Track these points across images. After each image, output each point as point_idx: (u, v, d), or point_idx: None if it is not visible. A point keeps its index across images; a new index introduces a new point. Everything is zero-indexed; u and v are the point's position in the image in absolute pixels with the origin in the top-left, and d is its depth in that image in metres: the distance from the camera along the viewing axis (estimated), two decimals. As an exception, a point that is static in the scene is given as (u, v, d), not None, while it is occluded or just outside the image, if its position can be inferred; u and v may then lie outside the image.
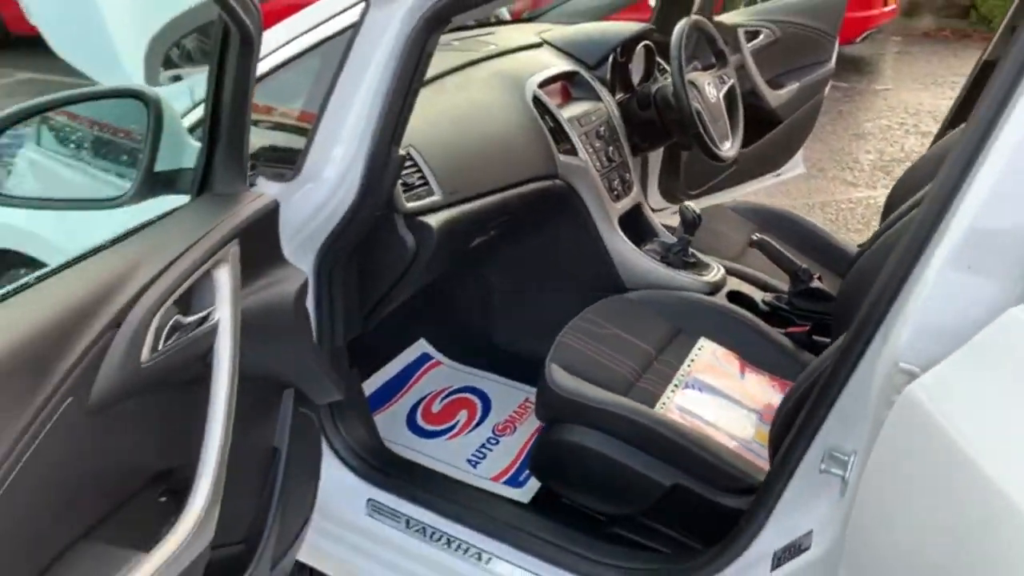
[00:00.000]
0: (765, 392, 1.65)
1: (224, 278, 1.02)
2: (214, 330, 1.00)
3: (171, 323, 0.92)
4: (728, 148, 2.14)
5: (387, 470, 1.58)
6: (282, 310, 1.16)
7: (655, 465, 1.42)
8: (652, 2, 2.68)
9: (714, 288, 1.92)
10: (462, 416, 1.94)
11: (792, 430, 1.14)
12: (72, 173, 1.38)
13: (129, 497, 0.94)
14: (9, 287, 0.80)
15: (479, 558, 1.45)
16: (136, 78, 1.64)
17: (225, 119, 1.07)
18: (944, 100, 5.59)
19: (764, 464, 1.44)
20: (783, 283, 1.99)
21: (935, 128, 4.19)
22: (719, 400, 1.60)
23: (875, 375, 0.98)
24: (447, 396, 2.01)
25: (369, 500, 1.54)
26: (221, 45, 1.03)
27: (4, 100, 5.90)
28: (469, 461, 1.79)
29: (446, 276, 1.92)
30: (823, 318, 1.80)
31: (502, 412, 1.95)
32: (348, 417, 1.58)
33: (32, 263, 1.72)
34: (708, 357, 1.71)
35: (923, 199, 0.96)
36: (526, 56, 2.03)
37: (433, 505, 1.51)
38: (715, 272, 1.95)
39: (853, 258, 1.78)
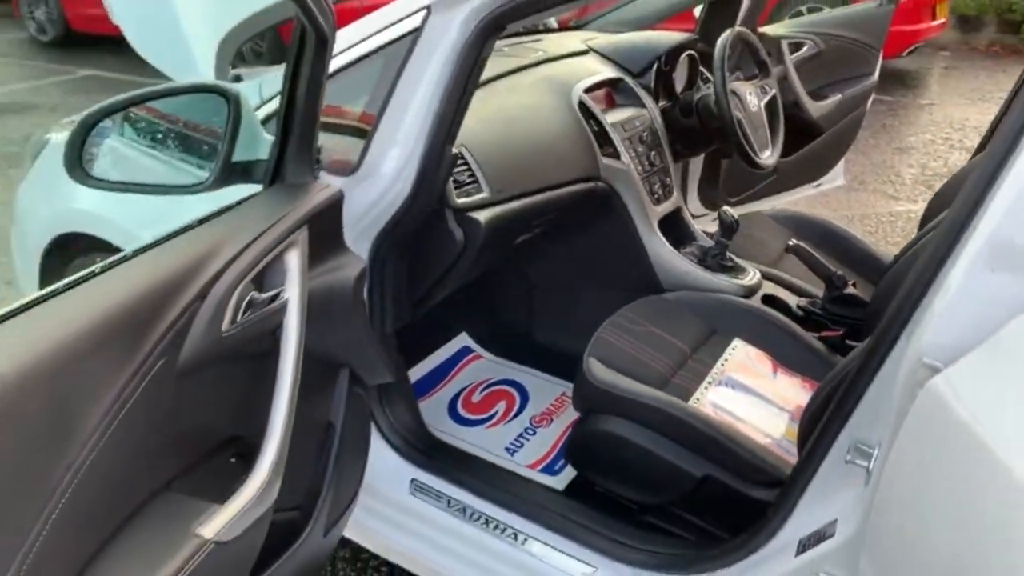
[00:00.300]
0: (797, 393, 1.70)
1: (294, 261, 1.11)
2: (283, 308, 1.09)
3: (248, 299, 1.01)
4: (767, 157, 2.19)
5: (430, 452, 1.66)
6: (342, 294, 1.25)
7: (687, 456, 1.48)
8: (697, 13, 2.74)
9: (749, 291, 1.97)
10: (501, 407, 2.01)
11: (820, 423, 1.19)
12: (151, 162, 1.48)
13: (203, 456, 1.03)
14: (112, 258, 0.89)
15: (515, 538, 1.52)
16: (207, 76, 1.75)
17: (298, 114, 1.16)
18: (991, 117, 5.54)
19: (793, 459, 1.49)
20: (818, 289, 2.03)
21: (979, 143, 4.17)
22: (751, 398, 1.65)
23: (900, 371, 1.03)
24: (487, 387, 2.09)
25: (412, 480, 1.63)
26: (298, 45, 1.12)
27: (68, 96, 6.13)
28: (507, 449, 1.86)
29: (488, 272, 2.00)
30: (856, 323, 1.84)
31: (539, 404, 2.02)
32: (394, 401, 1.66)
33: (103, 245, 1.84)
34: (741, 357, 1.76)
35: (948, 212, 1.01)
36: (573, 63, 2.10)
37: (473, 487, 1.58)
38: (751, 276, 2.00)
39: (889, 265, 1.83)
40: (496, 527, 1.54)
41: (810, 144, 2.86)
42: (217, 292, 0.95)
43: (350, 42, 1.51)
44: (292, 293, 1.10)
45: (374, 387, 1.56)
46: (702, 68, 2.42)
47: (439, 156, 1.44)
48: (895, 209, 4.17)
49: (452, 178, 1.56)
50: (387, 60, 1.44)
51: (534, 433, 1.92)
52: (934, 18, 6.37)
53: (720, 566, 1.31)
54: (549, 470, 1.80)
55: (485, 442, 1.88)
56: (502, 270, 2.13)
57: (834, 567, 1.15)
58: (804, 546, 1.20)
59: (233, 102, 1.17)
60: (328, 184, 1.24)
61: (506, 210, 1.64)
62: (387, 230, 1.48)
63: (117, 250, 1.79)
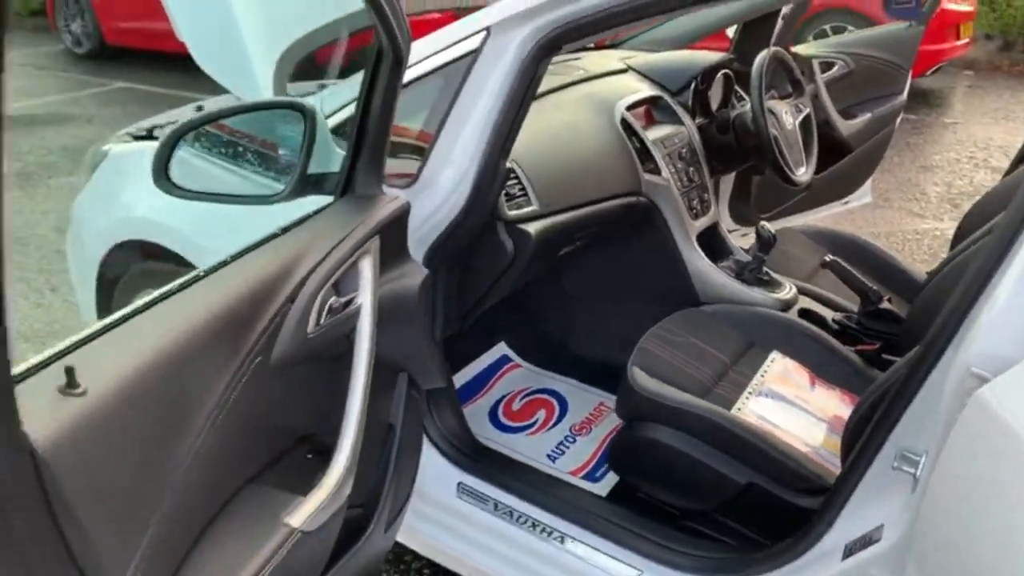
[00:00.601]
0: (834, 404, 1.75)
1: (367, 268, 1.17)
2: (357, 312, 1.15)
3: (329, 303, 1.07)
4: (802, 174, 2.24)
5: (476, 457, 1.71)
6: (406, 301, 1.31)
7: (732, 464, 1.52)
8: (730, 33, 2.80)
9: (786, 305, 2.02)
10: (540, 415, 2.06)
11: (866, 431, 1.24)
12: (220, 172, 1.55)
13: (284, 451, 1.09)
14: (213, 263, 0.95)
15: (562, 541, 1.57)
16: (267, 92, 1.82)
17: (371, 129, 1.23)
18: (1015, 136, 5.56)
19: (833, 468, 1.54)
20: (852, 304, 2.07)
21: (1005, 163, 4.20)
22: (790, 409, 1.70)
23: (948, 380, 1.07)
24: (526, 396, 2.14)
25: (459, 483, 1.68)
26: (375, 62, 1.18)
27: (103, 108, 6.27)
28: (549, 456, 1.91)
29: (527, 284, 2.05)
30: (892, 338, 1.88)
31: (578, 413, 2.07)
32: (441, 406, 1.72)
33: (161, 252, 1.91)
34: (780, 369, 1.80)
35: (995, 226, 1.06)
36: (613, 80, 2.16)
37: (519, 491, 1.63)
38: (787, 290, 2.05)
39: (924, 282, 1.87)
40: (543, 530, 1.59)
41: (840, 162, 2.91)
42: (304, 296, 1.01)
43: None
44: (365, 299, 1.16)
45: (423, 392, 1.62)
46: (736, 87, 2.48)
47: (494, 170, 1.50)
48: (921, 227, 4.19)
49: (504, 191, 1.62)
50: (446, 79, 1.51)
51: (574, 441, 1.97)
52: (958, 38, 6.41)
53: (767, 569, 1.35)
54: (591, 477, 1.85)
55: (527, 449, 1.93)
56: (541, 281, 2.19)
57: (881, 571, 1.18)
58: (850, 550, 1.24)
59: (309, 118, 1.23)
60: (397, 196, 1.31)
61: (555, 222, 1.70)
62: (440, 241, 1.54)
63: (176, 256, 1.87)
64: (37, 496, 0.60)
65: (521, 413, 2.07)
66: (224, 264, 0.95)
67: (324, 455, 1.12)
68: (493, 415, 2.06)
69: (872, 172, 3.23)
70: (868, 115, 2.98)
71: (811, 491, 1.48)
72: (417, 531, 1.71)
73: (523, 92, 1.47)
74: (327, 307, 1.06)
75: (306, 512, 0.98)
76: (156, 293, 0.86)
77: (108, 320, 0.78)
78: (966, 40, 6.61)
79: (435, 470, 1.68)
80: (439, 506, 1.68)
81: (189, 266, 1.86)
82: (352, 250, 1.14)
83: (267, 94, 1.81)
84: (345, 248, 1.12)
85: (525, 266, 1.66)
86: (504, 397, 2.13)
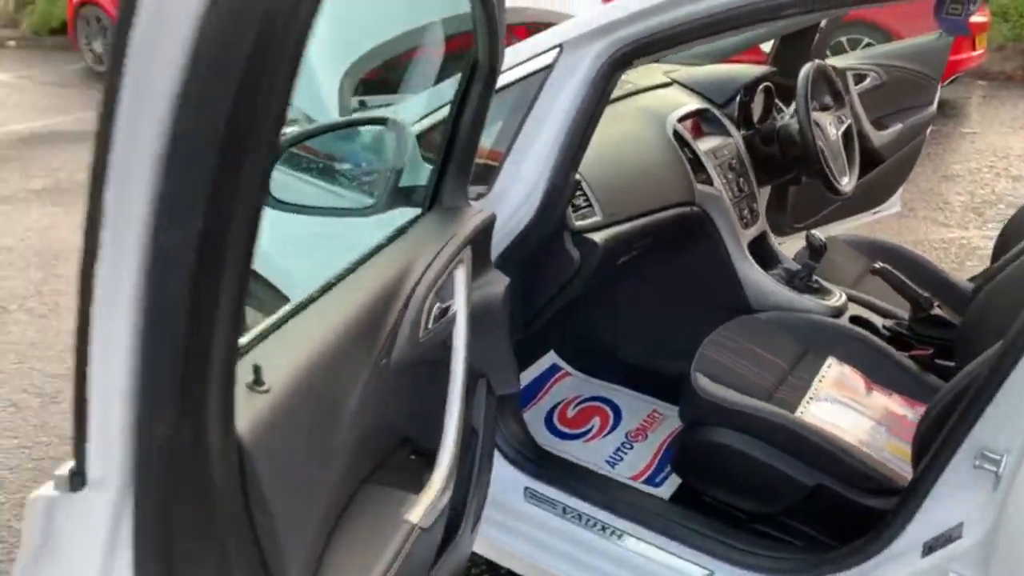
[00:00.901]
0: (891, 408, 1.78)
1: (461, 277, 1.21)
2: (453, 320, 1.19)
3: (435, 310, 1.11)
4: (846, 183, 2.29)
5: (540, 463, 1.74)
6: (491, 308, 1.35)
7: (799, 467, 1.56)
8: (765, 48, 2.86)
9: (837, 312, 2.05)
10: (595, 422, 2.10)
11: (943, 431, 1.27)
12: (304, 186, 1.60)
13: (391, 451, 1.13)
14: (339, 271, 1.00)
15: (633, 543, 1.60)
16: (332, 107, 1.87)
17: (460, 142, 1.27)
18: (1034, 144, 5.60)
19: (898, 470, 1.57)
20: (900, 310, 2.11)
21: (1025, 172, 4.23)
22: (850, 413, 1.73)
23: None
24: (579, 403, 2.18)
25: (526, 488, 1.71)
26: (468, 75, 1.22)
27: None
28: (608, 462, 1.95)
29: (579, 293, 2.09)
30: (945, 343, 1.91)
31: (633, 420, 2.10)
32: (504, 413, 1.75)
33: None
34: (836, 374, 1.84)
35: None
36: (661, 94, 2.21)
37: (586, 495, 1.67)
38: (837, 297, 2.08)
39: (975, 288, 1.90)
40: (612, 533, 1.62)
41: (872, 171, 2.95)
42: (415, 302, 1.06)
43: None
44: (460, 306, 1.20)
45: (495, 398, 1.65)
46: (776, 99, 2.52)
47: (564, 182, 1.55)
48: (947, 236, 4.23)
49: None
50: (518, 95, 1.55)
51: (631, 447, 2.00)
52: (974, 48, 6.45)
53: (843, 568, 1.38)
54: (651, 482, 1.88)
55: (585, 455, 1.96)
56: (591, 290, 2.23)
57: (963, 567, 1.21)
58: (930, 548, 1.27)
59: (399, 133, 1.28)
60: (482, 208, 1.35)
61: (617, 232, 1.74)
62: (509, 250, 1.58)
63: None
64: (239, 488, 0.64)
65: (576, 420, 2.11)
66: (351, 271, 1.00)
67: (425, 457, 1.16)
68: (548, 422, 2.10)
69: (903, 182, 3.28)
70: (899, 125, 3.03)
71: (880, 492, 1.52)
72: (484, 534, 1.74)
73: (594, 106, 1.51)
74: (433, 313, 1.11)
75: (422, 509, 1.02)
76: (304, 296, 0.90)
77: (274, 318, 0.82)
78: (981, 51, 6.66)
79: (502, 475, 1.72)
80: (507, 510, 1.71)
81: (260, 279, 1.91)
82: (449, 260, 1.18)
83: (332, 110, 1.87)
84: (443, 258, 1.17)
85: (590, 275, 1.70)
86: (557, 405, 2.17)
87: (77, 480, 0.61)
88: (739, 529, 1.59)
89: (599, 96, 1.51)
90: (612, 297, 2.26)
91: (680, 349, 2.03)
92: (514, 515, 1.71)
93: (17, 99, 7.23)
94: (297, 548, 0.74)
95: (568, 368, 2.32)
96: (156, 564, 0.61)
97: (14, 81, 7.98)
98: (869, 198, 3.14)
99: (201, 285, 0.57)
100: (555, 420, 2.11)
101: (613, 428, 2.07)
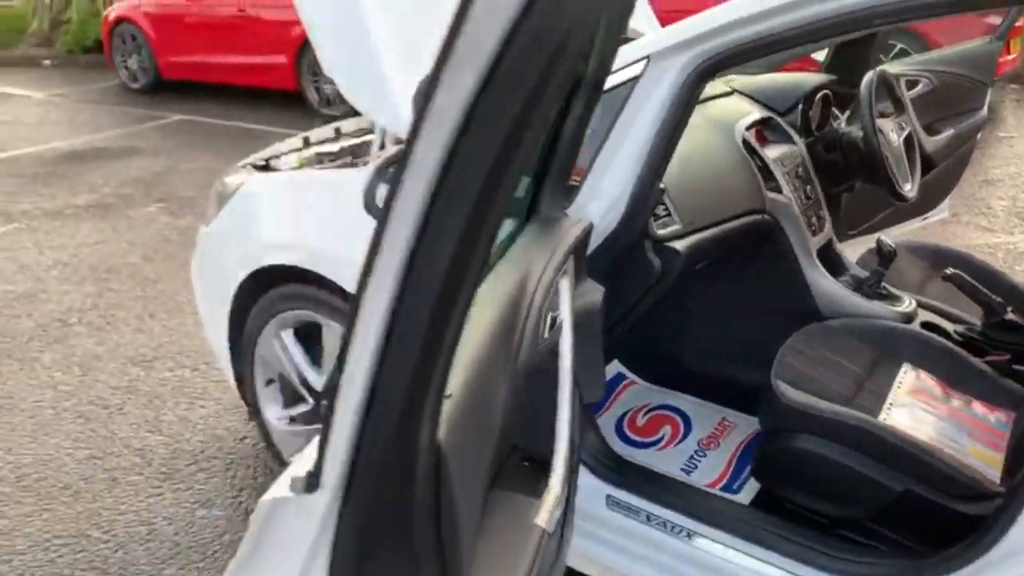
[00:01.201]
0: (972, 414, 1.78)
1: (566, 287, 1.23)
2: (560, 328, 1.21)
3: (549, 318, 1.13)
4: (909, 189, 2.29)
5: (620, 471, 1.76)
6: (590, 316, 1.37)
7: (886, 471, 1.56)
8: (818, 56, 2.87)
9: (907, 318, 2.05)
10: (666, 431, 2.11)
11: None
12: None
13: (506, 457, 1.14)
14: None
15: (717, 548, 1.61)
16: (406, 118, 1.90)
17: (560, 153, 1.29)
18: (1072, 148, 5.55)
19: (986, 475, 1.57)
20: (971, 316, 2.11)
21: (1067, 176, 4.20)
22: (930, 418, 1.73)
23: None
24: (648, 412, 2.18)
25: (608, 496, 1.72)
26: (571, 90, 1.25)
27: (166, 140, 6.44)
28: (683, 470, 1.95)
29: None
30: (1020, 348, 1.91)
31: (703, 429, 2.11)
32: (584, 423, 1.77)
33: (299, 274, 1.99)
34: (913, 380, 1.84)
35: None
36: (724, 103, 2.23)
37: (668, 502, 1.68)
38: (907, 304, 2.08)
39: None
40: (697, 538, 1.63)
41: (925, 177, 2.95)
42: (535, 309, 1.08)
43: None
44: (566, 315, 1.22)
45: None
46: (833, 108, 2.53)
47: (649, 190, 1.57)
48: (992, 241, 4.20)
49: (651, 211, 1.68)
50: (603, 105, 1.57)
51: (704, 455, 2.01)
52: (1009, 52, 6.42)
53: (942, 572, 1.38)
54: (728, 489, 1.89)
55: (659, 463, 1.97)
56: (659, 299, 2.24)
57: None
58: (1036, 553, 1.27)
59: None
60: (580, 218, 1.37)
61: (697, 240, 1.76)
62: (592, 259, 1.60)
63: (317, 276, 1.94)
64: (434, 488, 0.66)
65: (646, 429, 2.12)
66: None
67: (535, 463, 1.17)
68: (619, 430, 2.11)
69: (953, 187, 3.27)
70: (951, 131, 3.02)
71: (969, 497, 1.52)
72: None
73: (680, 116, 1.53)
74: (548, 321, 1.13)
75: (546, 513, 1.03)
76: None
77: None
78: (1015, 55, 6.62)
79: (584, 483, 1.73)
80: (589, 518, 1.72)
81: (331, 286, 1.94)
82: (557, 268, 1.20)
83: (407, 121, 1.89)
84: (554, 266, 1.19)
85: (671, 283, 1.72)
86: (626, 413, 2.18)
87: (313, 482, 0.63)
88: (827, 535, 1.60)
89: (685, 106, 1.53)
90: (678, 306, 2.27)
91: (750, 357, 2.04)
92: (597, 523, 1.72)
93: (56, 117, 7.37)
94: (468, 548, 0.75)
95: (633, 376, 2.33)
96: (352, 556, 0.62)
97: (50, 99, 8.13)
98: (920, 203, 3.13)
99: (443, 304, 0.60)
100: (625, 428, 2.12)
101: (684, 436, 2.08)
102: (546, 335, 1.11)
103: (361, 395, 0.61)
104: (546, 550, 1.02)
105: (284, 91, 7.26)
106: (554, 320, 1.20)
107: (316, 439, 0.75)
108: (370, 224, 1.55)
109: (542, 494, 1.06)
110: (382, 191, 1.35)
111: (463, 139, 0.58)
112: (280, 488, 0.66)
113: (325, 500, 0.61)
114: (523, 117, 0.58)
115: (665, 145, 1.55)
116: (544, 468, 1.14)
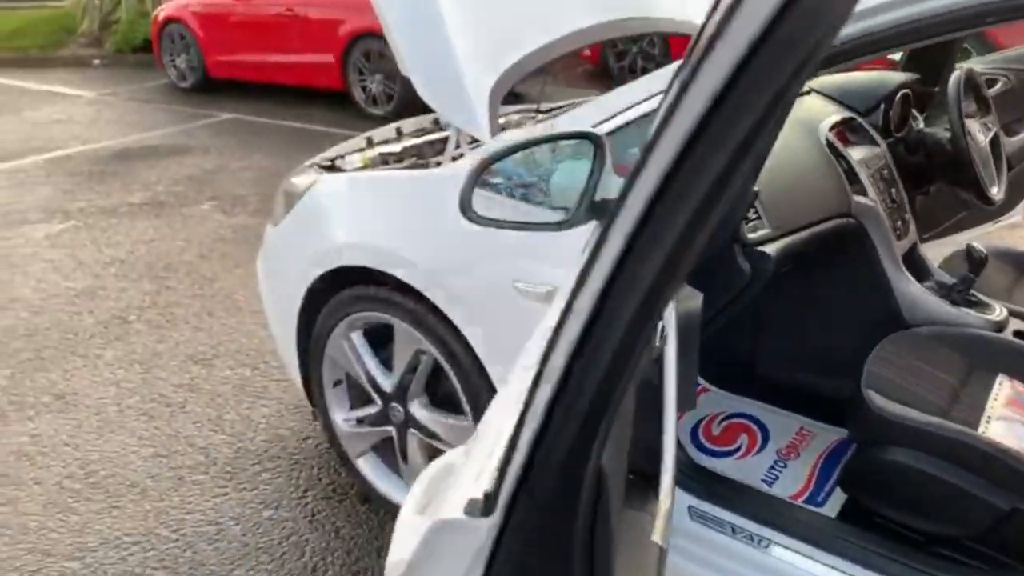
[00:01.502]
0: (1075, 428, 1.69)
1: (671, 293, 1.18)
2: (665, 337, 1.17)
3: (660, 325, 1.09)
4: (996, 192, 2.21)
5: (702, 481, 1.71)
6: (689, 324, 1.32)
7: (991, 488, 1.49)
8: (894, 56, 2.78)
9: (999, 327, 1.97)
10: (743, 440, 2.05)
11: None
12: (503, 202, 1.62)
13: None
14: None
15: (805, 563, 1.55)
16: (483, 119, 1.87)
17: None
18: None
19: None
20: (1065, 325, 2.02)
21: None
22: (1031, 433, 1.65)
23: None
24: (723, 420, 2.13)
25: (690, 507, 1.68)
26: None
27: (216, 138, 6.51)
28: (764, 481, 1.89)
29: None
30: (1123, 359, 1.82)
31: (781, 438, 2.05)
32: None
33: (370, 274, 1.97)
34: (1009, 392, 1.76)
35: None
36: (805, 102, 2.16)
37: (753, 514, 1.62)
38: (998, 312, 2.00)
39: None
40: (784, 551, 1.57)
41: (1002, 179, 2.85)
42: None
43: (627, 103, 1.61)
44: (670, 324, 1.18)
45: None
46: (913, 109, 2.45)
47: (743, 192, 1.51)
48: (1063, 245, 4.07)
49: (741, 214, 1.63)
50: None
51: (785, 466, 1.95)
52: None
53: None
54: (812, 501, 1.82)
55: (738, 473, 1.91)
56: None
57: None
58: None
59: (599, 146, 1.27)
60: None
61: (786, 244, 1.70)
62: None
63: (390, 278, 1.92)
64: (592, 507, 0.62)
65: (723, 438, 2.06)
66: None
67: (639, 475, 1.13)
68: (695, 439, 2.05)
69: (1030, 189, 3.16)
70: (1029, 131, 2.93)
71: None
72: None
73: (776, 115, 1.48)
74: (660, 329, 1.08)
75: (661, 530, 0.99)
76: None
77: None
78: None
79: (664, 494, 1.68)
80: (673, 531, 1.68)
81: (404, 288, 1.91)
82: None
83: (483, 122, 1.87)
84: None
85: (761, 288, 1.66)
86: (701, 421, 2.12)
87: (489, 505, 0.60)
88: (924, 553, 1.53)
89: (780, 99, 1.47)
90: (753, 311, 2.21)
91: (829, 364, 1.97)
92: (680, 534, 1.67)
93: (107, 116, 7.48)
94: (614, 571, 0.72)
95: (705, 384, 2.27)
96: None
97: (101, 98, 8.26)
98: (999, 206, 3.04)
99: (638, 323, 0.56)
100: (701, 437, 2.06)
101: (763, 446, 2.02)
102: (657, 343, 1.07)
103: (542, 418, 0.57)
104: (664, 567, 0.98)
105: (331, 90, 7.29)
106: (662, 329, 1.15)
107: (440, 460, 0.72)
108: (448, 226, 1.53)
109: (649, 508, 1.02)
110: (481, 194, 1.32)
111: (697, 141, 0.55)
112: (447, 509, 0.63)
113: (493, 522, 0.58)
114: (760, 124, 0.54)
115: (762, 146, 1.49)
116: (647, 480, 1.10)
